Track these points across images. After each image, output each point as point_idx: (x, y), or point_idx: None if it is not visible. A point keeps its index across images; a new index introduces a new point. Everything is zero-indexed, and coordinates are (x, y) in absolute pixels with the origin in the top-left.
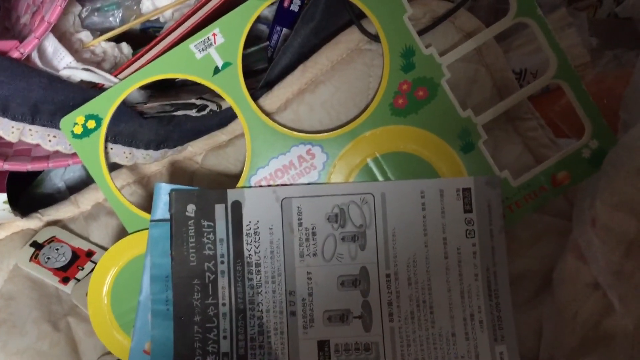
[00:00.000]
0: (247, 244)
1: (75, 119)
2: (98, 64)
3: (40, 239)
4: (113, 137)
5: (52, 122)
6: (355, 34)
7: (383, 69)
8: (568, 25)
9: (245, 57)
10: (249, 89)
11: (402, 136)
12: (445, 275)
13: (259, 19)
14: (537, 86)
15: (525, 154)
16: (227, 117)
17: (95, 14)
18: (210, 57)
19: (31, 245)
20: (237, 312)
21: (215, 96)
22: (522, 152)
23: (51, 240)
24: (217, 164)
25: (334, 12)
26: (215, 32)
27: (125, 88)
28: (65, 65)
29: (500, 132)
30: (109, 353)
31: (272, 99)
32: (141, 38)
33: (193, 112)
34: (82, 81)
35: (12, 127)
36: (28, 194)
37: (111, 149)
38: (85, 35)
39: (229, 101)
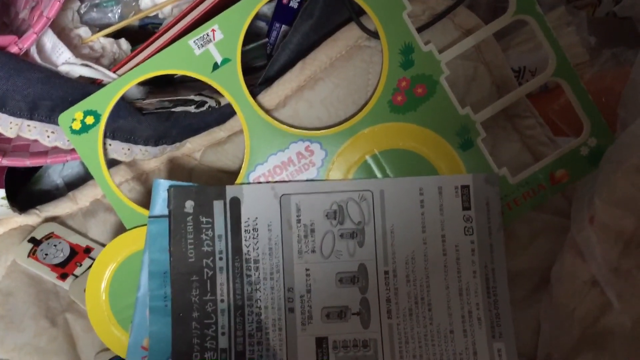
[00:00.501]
0: (245, 240)
1: (74, 115)
2: (97, 60)
3: (38, 235)
4: (112, 133)
5: (50, 117)
6: (354, 31)
7: (382, 66)
8: (567, 24)
9: (244, 54)
10: (248, 85)
11: (400, 133)
12: (443, 273)
13: (258, 16)
14: (536, 84)
15: (524, 152)
16: (225, 113)
17: (94, 9)
18: (209, 53)
19: (29, 241)
20: (236, 309)
21: (214, 92)
22: (521, 149)
23: (49, 236)
24: (216, 160)
25: (333, 8)
26: (215, 29)
27: (124, 84)
28: (64, 60)
29: (499, 130)
30: (106, 349)
31: (271, 95)
32: (140, 34)
33: (192, 109)
34: (80, 77)
35: (11, 122)
36: (26, 190)
37: (110, 144)
38: (84, 31)
39: (227, 98)
